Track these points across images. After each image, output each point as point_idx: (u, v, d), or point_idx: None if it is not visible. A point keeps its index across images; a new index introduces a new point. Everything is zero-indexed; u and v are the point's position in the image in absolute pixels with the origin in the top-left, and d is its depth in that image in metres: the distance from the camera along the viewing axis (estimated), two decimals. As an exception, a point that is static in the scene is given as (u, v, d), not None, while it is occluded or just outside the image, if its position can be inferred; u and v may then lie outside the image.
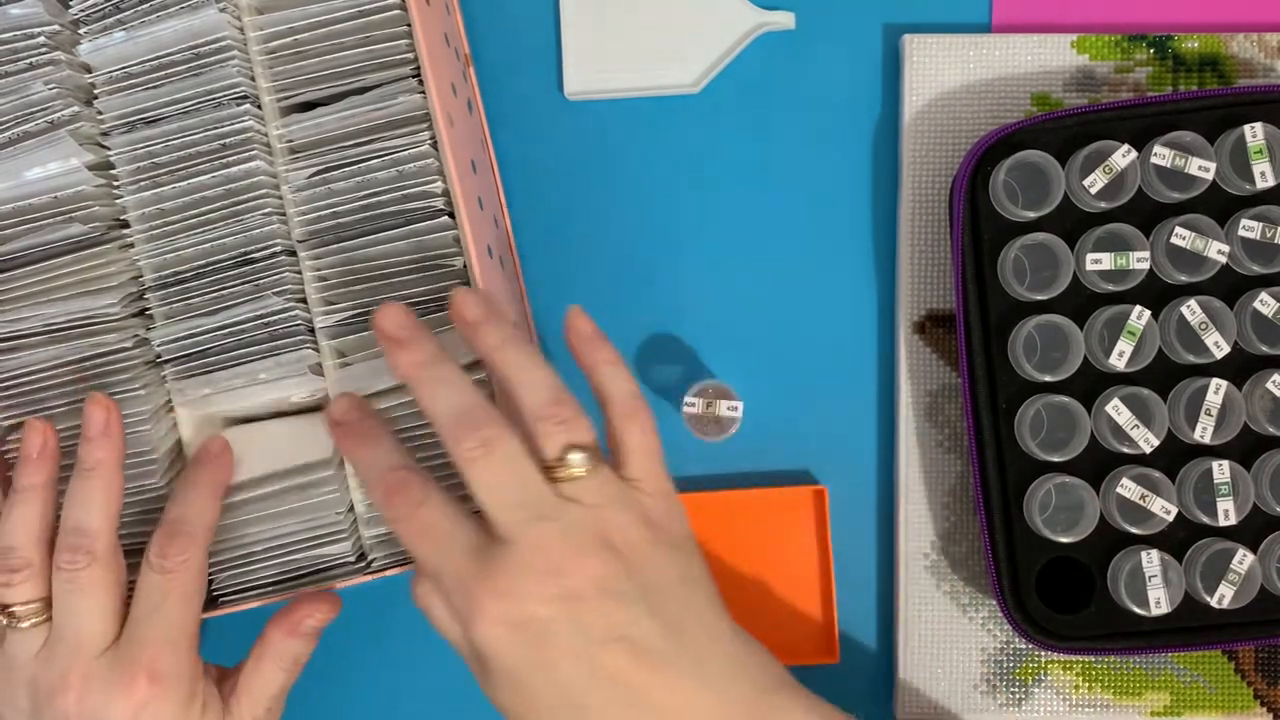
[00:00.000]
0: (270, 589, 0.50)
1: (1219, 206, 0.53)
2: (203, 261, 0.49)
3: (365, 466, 0.44)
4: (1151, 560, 0.52)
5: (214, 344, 0.49)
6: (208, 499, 0.46)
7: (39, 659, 0.45)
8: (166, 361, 0.49)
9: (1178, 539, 0.53)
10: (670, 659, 0.41)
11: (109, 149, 0.49)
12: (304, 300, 0.49)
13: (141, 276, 0.49)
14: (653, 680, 0.41)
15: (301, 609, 0.48)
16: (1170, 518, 0.52)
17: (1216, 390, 0.52)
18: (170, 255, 0.49)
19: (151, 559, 0.45)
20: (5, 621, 0.45)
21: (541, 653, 0.40)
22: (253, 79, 0.49)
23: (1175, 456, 0.53)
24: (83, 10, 0.48)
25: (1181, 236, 0.52)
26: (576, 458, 0.42)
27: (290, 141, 0.49)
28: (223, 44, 0.48)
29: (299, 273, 0.49)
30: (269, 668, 0.48)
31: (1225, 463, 0.52)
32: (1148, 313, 0.52)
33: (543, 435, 0.42)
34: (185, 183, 0.48)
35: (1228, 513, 0.52)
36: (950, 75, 0.57)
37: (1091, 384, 0.53)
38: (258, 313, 0.48)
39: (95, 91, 0.49)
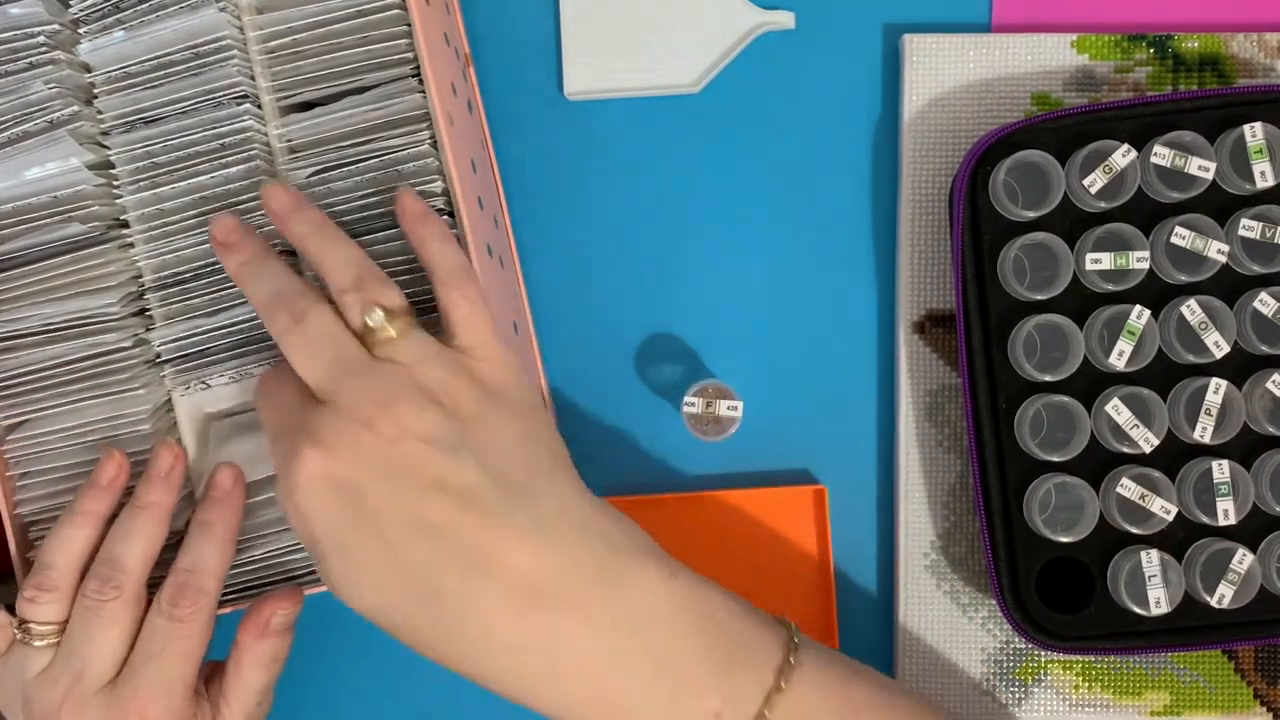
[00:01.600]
0: (270, 589, 0.49)
1: (1219, 206, 0.52)
2: (202, 262, 0.49)
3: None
4: (1151, 560, 0.52)
5: (213, 344, 0.49)
6: (222, 546, 0.46)
7: (40, 679, 0.45)
8: (166, 361, 0.49)
9: (1177, 539, 0.53)
10: (501, 511, 0.40)
11: (109, 148, 0.49)
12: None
13: (141, 276, 0.49)
14: (480, 531, 0.39)
15: (266, 608, 0.47)
16: (1170, 517, 0.52)
17: (1216, 390, 0.52)
18: (170, 255, 0.49)
19: (162, 604, 0.45)
20: (20, 635, 0.45)
21: (360, 508, 0.39)
22: (252, 79, 0.49)
23: (1175, 456, 0.53)
24: (83, 10, 0.48)
25: (1181, 236, 0.52)
26: (383, 319, 0.42)
27: (289, 141, 0.49)
28: (222, 44, 0.48)
29: (299, 274, 0.49)
30: (249, 671, 0.47)
31: (1225, 462, 0.52)
32: (1148, 312, 0.52)
33: (349, 306, 0.42)
34: (185, 183, 0.48)
35: (1227, 512, 0.52)
36: (950, 75, 0.57)
37: (1091, 384, 0.53)
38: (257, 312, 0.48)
39: (95, 91, 0.49)
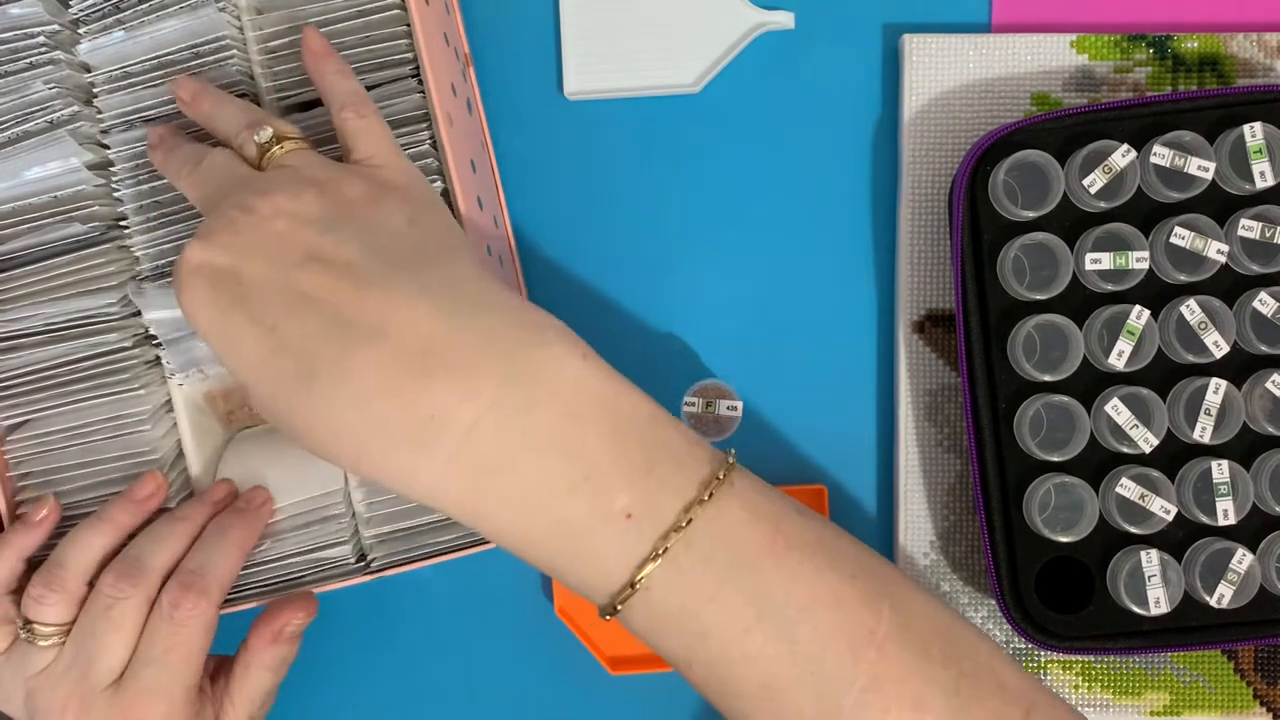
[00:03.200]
0: (270, 589, 0.50)
1: (1218, 206, 0.53)
2: None
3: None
4: (1151, 560, 0.52)
5: None
6: (233, 554, 0.46)
7: (43, 675, 0.45)
8: (161, 344, 0.49)
9: (1177, 539, 0.53)
10: (383, 281, 0.37)
11: (108, 148, 0.49)
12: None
13: (139, 265, 0.49)
14: (360, 298, 0.37)
15: (282, 615, 0.48)
16: (1170, 517, 0.52)
17: (1216, 390, 0.52)
18: (168, 246, 0.49)
19: (164, 605, 0.45)
20: (25, 634, 0.45)
21: (235, 290, 0.38)
22: (252, 78, 0.49)
23: (1175, 456, 0.53)
24: (82, 10, 0.48)
25: (1181, 236, 0.52)
26: (272, 135, 0.42)
27: (290, 141, 0.49)
28: (222, 43, 0.48)
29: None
30: (257, 673, 0.48)
31: (1225, 462, 0.52)
32: (1147, 312, 0.52)
33: (244, 142, 0.43)
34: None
35: (1227, 512, 0.52)
36: (950, 75, 0.57)
37: (1091, 384, 0.53)
38: None
39: (95, 91, 0.49)
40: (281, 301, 0.37)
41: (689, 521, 0.37)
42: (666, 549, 0.37)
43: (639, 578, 0.36)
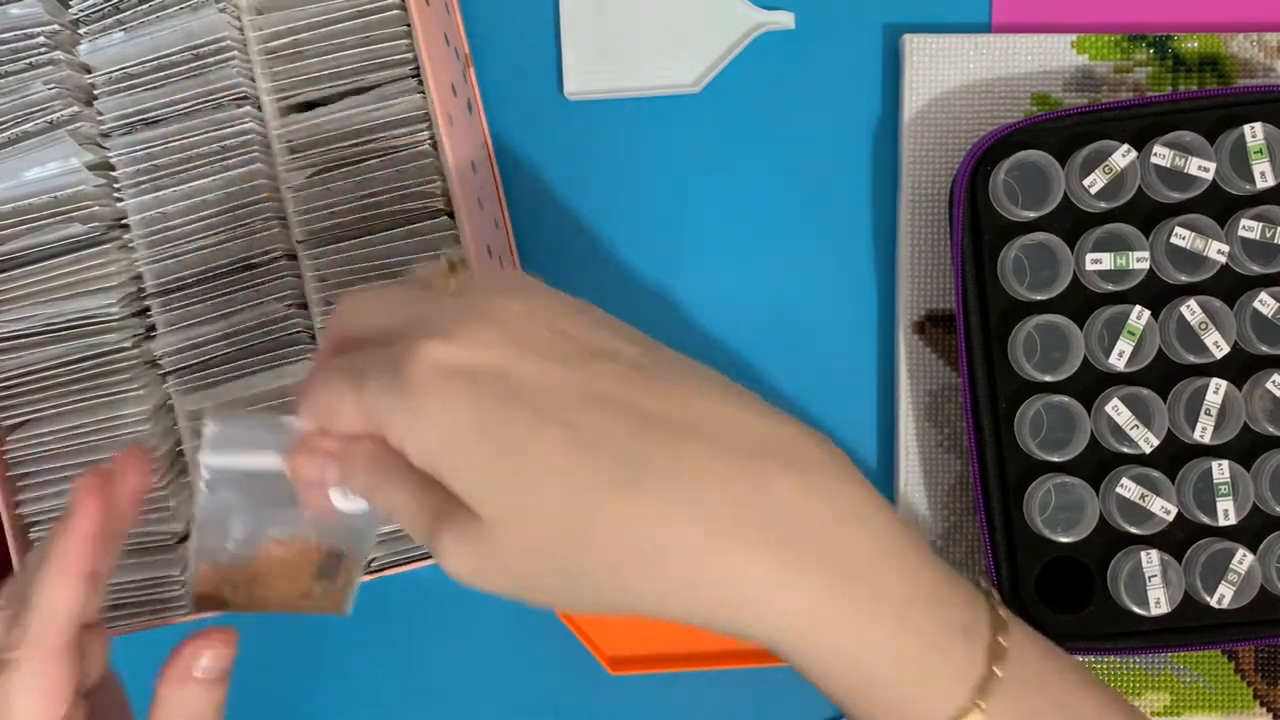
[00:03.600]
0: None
1: (1219, 206, 0.52)
2: (204, 267, 0.49)
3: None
4: (1151, 560, 0.52)
5: (216, 354, 0.49)
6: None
7: None
8: (170, 373, 0.49)
9: (1177, 539, 0.53)
10: (668, 373, 0.33)
11: (108, 150, 0.49)
12: (304, 305, 0.49)
13: (142, 279, 0.49)
14: (656, 391, 0.32)
15: (188, 649, 0.36)
16: (1170, 518, 0.52)
17: (1216, 390, 0.52)
18: (171, 260, 0.49)
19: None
20: None
21: (512, 390, 0.31)
22: (253, 79, 0.49)
23: (1175, 456, 0.53)
24: (82, 10, 0.48)
25: (1181, 236, 0.52)
26: (451, 267, 0.36)
27: (290, 141, 0.49)
28: (222, 44, 0.48)
29: (299, 277, 0.49)
30: None
31: (1225, 463, 0.52)
32: (1147, 313, 0.52)
33: (429, 278, 0.36)
34: (186, 186, 0.48)
35: (1227, 513, 0.52)
36: (950, 75, 0.57)
37: (1091, 384, 0.53)
38: (259, 320, 0.48)
39: (95, 92, 0.49)
40: (576, 397, 0.31)
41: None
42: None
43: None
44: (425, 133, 0.48)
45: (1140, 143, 0.52)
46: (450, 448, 0.31)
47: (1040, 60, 0.57)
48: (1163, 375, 0.53)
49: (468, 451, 0.31)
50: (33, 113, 0.48)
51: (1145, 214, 0.53)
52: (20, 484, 0.50)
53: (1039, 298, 0.53)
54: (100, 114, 0.49)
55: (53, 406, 0.49)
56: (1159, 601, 0.52)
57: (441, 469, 0.32)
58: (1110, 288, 0.52)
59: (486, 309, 0.33)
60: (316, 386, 0.34)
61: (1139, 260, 0.52)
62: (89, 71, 0.49)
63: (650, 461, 0.31)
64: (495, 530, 0.31)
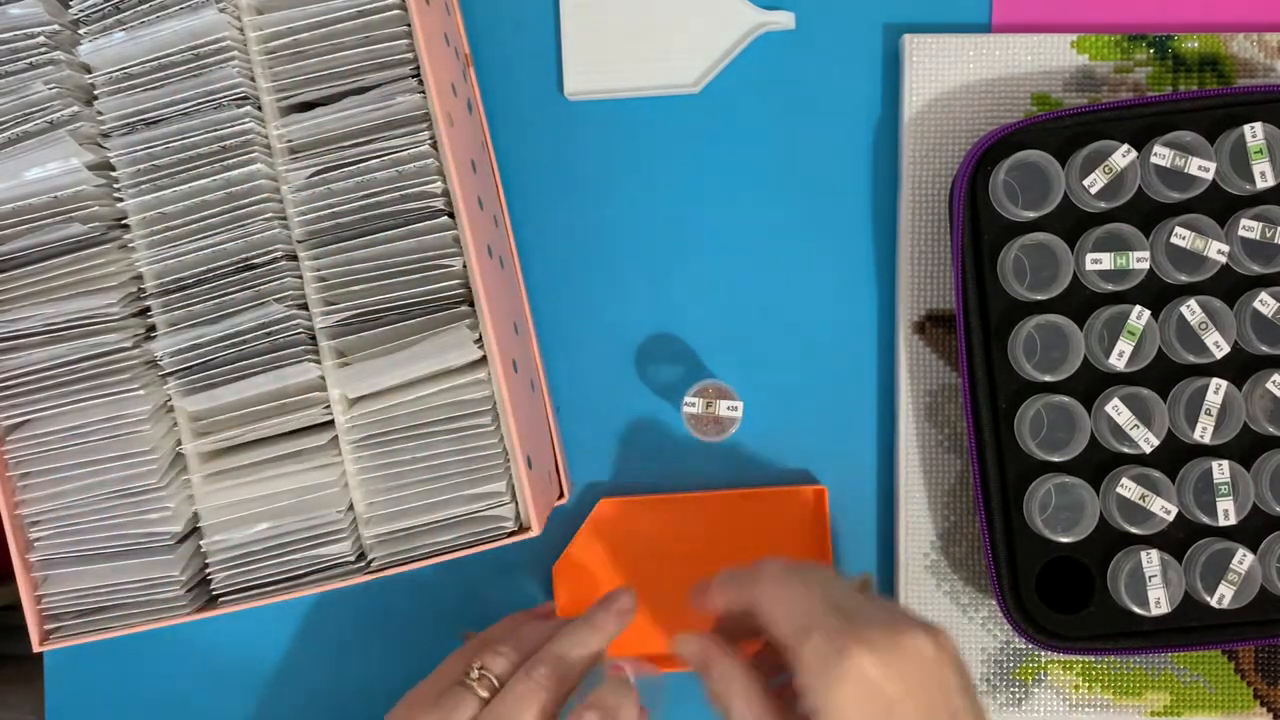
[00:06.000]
0: (270, 589, 0.50)
1: (1219, 206, 0.52)
2: (204, 267, 0.49)
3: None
4: (1151, 560, 0.52)
5: (216, 355, 0.49)
6: (594, 652, 0.48)
7: None
8: (170, 373, 0.49)
9: (1178, 539, 0.53)
10: None
11: (109, 150, 0.49)
12: (304, 305, 0.49)
13: (142, 279, 0.49)
14: None
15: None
16: (1170, 518, 0.52)
17: (1216, 390, 0.52)
18: (172, 260, 0.49)
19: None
20: (472, 677, 0.47)
21: (887, 711, 0.40)
22: (253, 79, 0.49)
23: (1175, 456, 0.53)
24: (83, 10, 0.48)
25: (1181, 236, 0.52)
26: (863, 581, 0.47)
27: (290, 142, 0.49)
28: (223, 44, 0.48)
29: (299, 277, 0.49)
30: None
31: (1225, 463, 0.52)
32: (1148, 313, 0.52)
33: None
34: (186, 186, 0.48)
35: (1228, 513, 0.52)
36: (950, 75, 0.57)
37: (1091, 384, 0.53)
38: (260, 320, 0.48)
39: (95, 92, 0.49)
40: None
41: None
42: None
43: None
44: (425, 133, 0.48)
45: (1140, 143, 0.52)
46: (838, 712, 0.41)
47: (1040, 60, 0.57)
48: (1163, 375, 0.53)
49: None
50: (33, 113, 0.48)
51: (1145, 214, 0.53)
52: (20, 484, 0.50)
53: (1039, 298, 0.53)
54: (100, 114, 0.49)
55: (53, 406, 0.49)
56: (1159, 601, 0.52)
57: None
58: (1110, 288, 0.52)
59: (910, 635, 0.41)
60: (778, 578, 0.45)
61: (1139, 260, 0.52)
62: (89, 71, 0.49)
63: None
64: None
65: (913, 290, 0.58)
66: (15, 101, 0.48)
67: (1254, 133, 0.52)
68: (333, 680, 0.59)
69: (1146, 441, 0.52)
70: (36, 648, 0.50)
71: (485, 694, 0.47)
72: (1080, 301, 0.53)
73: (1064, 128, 0.53)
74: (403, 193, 0.48)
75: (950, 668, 0.42)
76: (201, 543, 0.49)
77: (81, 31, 0.49)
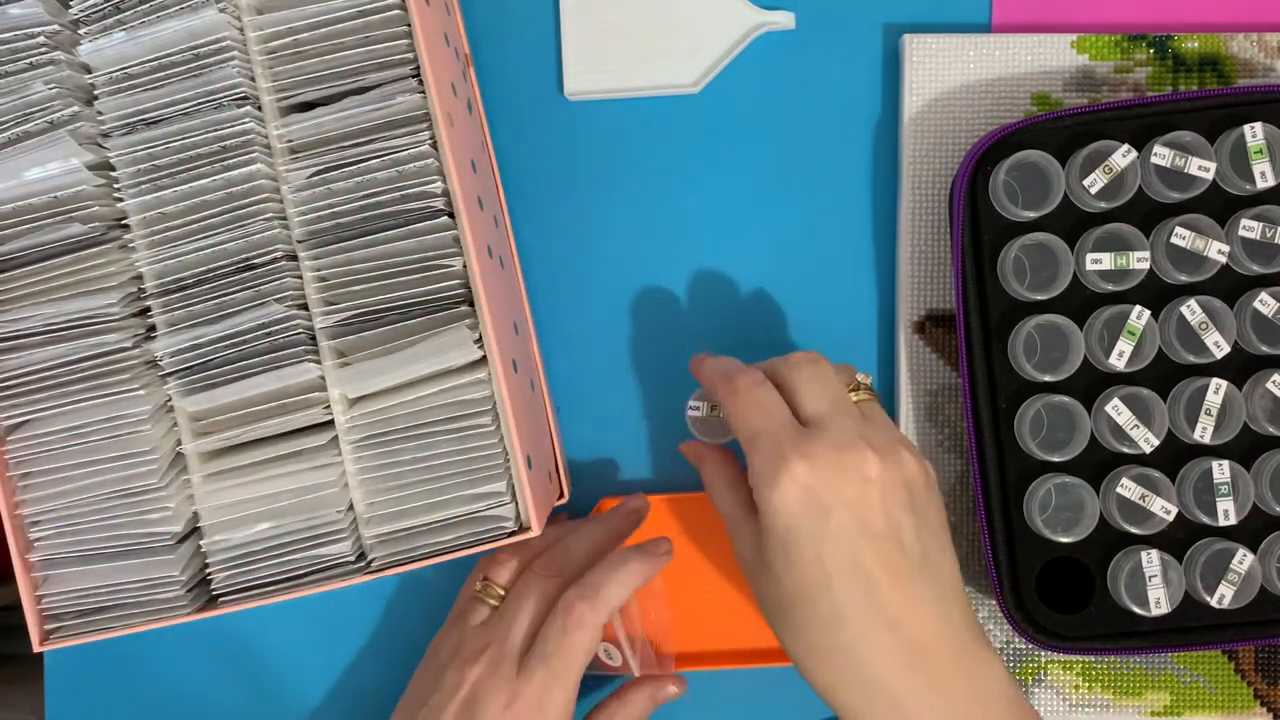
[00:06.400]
0: (270, 589, 0.50)
1: (1219, 206, 0.53)
2: (205, 267, 0.49)
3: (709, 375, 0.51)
4: (1151, 560, 0.52)
5: (216, 355, 0.49)
6: (626, 584, 0.50)
7: (479, 628, 0.50)
8: (170, 373, 0.49)
9: (1178, 539, 0.53)
10: (918, 577, 0.45)
11: (109, 150, 0.49)
12: (304, 305, 0.49)
13: (142, 279, 0.49)
14: (898, 588, 0.44)
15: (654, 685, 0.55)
16: (1170, 518, 0.52)
17: (1216, 390, 0.52)
18: (172, 261, 0.49)
19: (559, 606, 0.49)
20: (479, 588, 0.51)
21: (819, 525, 0.44)
22: (253, 79, 0.49)
23: (1175, 456, 0.53)
24: (83, 10, 0.48)
25: (1181, 236, 0.52)
26: (863, 383, 0.49)
27: (290, 142, 0.49)
28: (223, 44, 0.48)
29: (299, 277, 0.49)
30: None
31: (1225, 463, 0.52)
32: (1148, 313, 0.52)
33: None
34: (186, 186, 0.48)
35: (1228, 513, 0.52)
36: (950, 75, 0.57)
37: (1091, 384, 0.53)
38: (260, 321, 0.48)
39: (95, 92, 0.49)
40: (846, 559, 0.44)
41: None
42: None
43: None
44: (425, 133, 0.48)
45: (1140, 143, 0.52)
46: (769, 526, 0.45)
47: (1040, 60, 0.57)
48: (1163, 375, 0.53)
49: (776, 535, 0.45)
50: (33, 113, 0.48)
51: (1145, 214, 0.53)
52: (20, 484, 0.50)
53: (1039, 298, 0.53)
54: (100, 114, 0.49)
55: (53, 406, 0.49)
56: (1159, 601, 0.52)
57: (764, 531, 0.46)
58: (1110, 288, 0.52)
59: (857, 453, 0.45)
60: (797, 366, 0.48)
61: (1139, 260, 0.52)
62: (89, 71, 0.49)
63: (850, 625, 0.44)
64: (771, 554, 0.45)
65: (913, 290, 0.58)
66: (15, 101, 0.48)
67: (1254, 133, 0.52)
68: (333, 680, 0.59)
69: (1146, 441, 0.52)
70: (36, 648, 0.50)
71: (494, 602, 0.51)
72: (1080, 301, 0.53)
73: (1064, 128, 0.53)
74: (403, 193, 0.48)
75: (895, 487, 0.45)
76: (202, 543, 0.49)
77: (81, 31, 0.49)
